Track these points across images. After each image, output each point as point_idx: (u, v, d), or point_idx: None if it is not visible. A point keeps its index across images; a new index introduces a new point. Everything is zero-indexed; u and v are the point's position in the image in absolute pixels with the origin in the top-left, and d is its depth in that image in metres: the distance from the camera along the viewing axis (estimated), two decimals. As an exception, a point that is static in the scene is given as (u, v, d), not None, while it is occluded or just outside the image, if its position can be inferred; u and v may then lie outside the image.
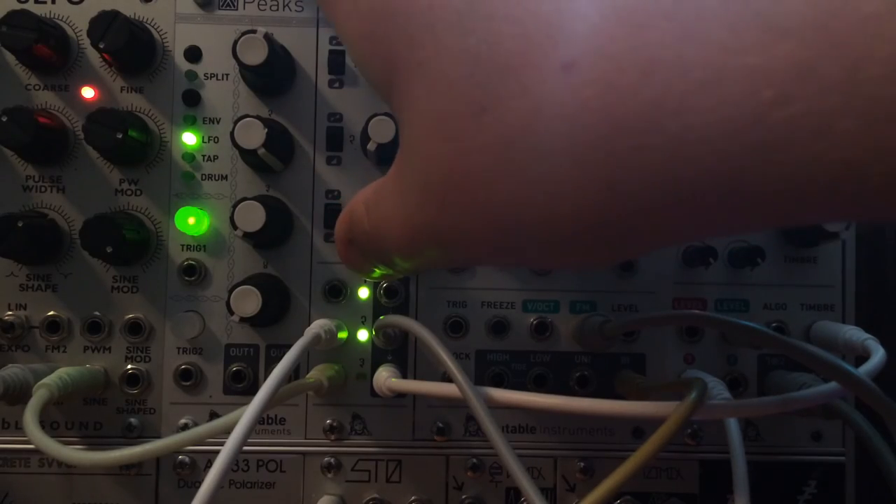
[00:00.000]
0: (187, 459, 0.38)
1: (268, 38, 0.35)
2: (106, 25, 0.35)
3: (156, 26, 0.38)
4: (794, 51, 0.11)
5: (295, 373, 0.38)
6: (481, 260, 0.18)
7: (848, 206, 0.12)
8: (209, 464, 0.32)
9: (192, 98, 0.38)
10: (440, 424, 0.38)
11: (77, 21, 0.38)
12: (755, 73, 0.12)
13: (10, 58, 0.37)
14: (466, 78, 0.14)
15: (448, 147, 0.15)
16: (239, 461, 0.38)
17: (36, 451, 0.34)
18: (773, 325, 0.39)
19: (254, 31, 0.34)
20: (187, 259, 0.38)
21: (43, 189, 0.38)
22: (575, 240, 0.15)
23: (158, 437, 0.38)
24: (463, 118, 0.15)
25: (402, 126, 0.18)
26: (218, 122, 0.38)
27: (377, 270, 0.24)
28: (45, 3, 0.38)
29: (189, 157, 0.38)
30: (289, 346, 0.31)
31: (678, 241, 0.15)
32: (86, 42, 0.37)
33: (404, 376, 0.38)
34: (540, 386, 0.39)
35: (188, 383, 0.38)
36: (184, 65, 0.38)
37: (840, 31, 0.11)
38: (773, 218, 0.13)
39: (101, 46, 0.35)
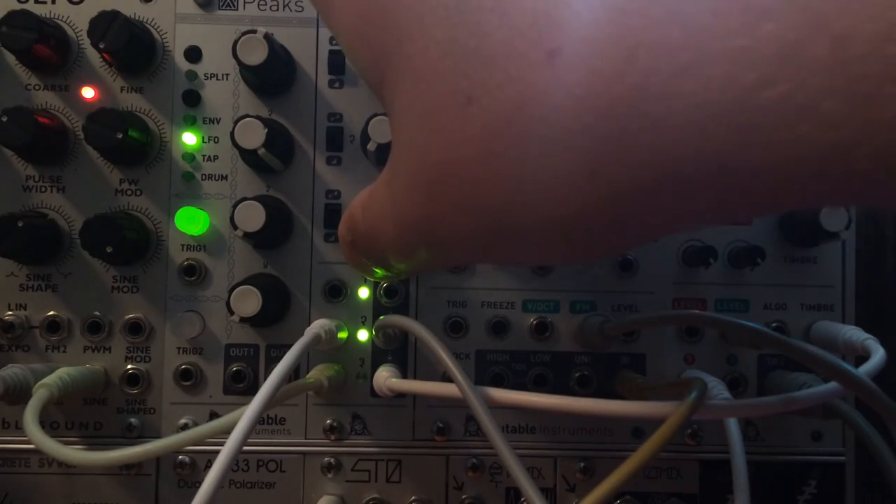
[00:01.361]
0: (187, 459, 0.38)
1: (268, 38, 0.35)
2: (106, 25, 0.35)
3: (156, 26, 0.38)
4: (777, 31, 0.11)
5: (295, 373, 0.38)
6: (472, 257, 0.18)
7: (836, 189, 0.12)
8: (209, 464, 0.32)
9: (192, 98, 0.38)
10: (440, 424, 0.38)
11: (77, 21, 0.38)
12: (738, 55, 0.11)
13: (10, 58, 0.37)
14: (454, 69, 0.15)
15: (435, 139, 0.15)
16: (239, 461, 0.38)
17: (36, 451, 0.34)
18: (773, 325, 0.39)
19: (254, 31, 0.34)
20: (187, 259, 0.38)
21: (43, 189, 0.38)
22: (562, 229, 0.15)
23: (158, 437, 0.38)
24: (449, 110, 0.15)
25: (392, 122, 0.18)
26: (218, 122, 0.38)
27: (378, 271, 0.24)
28: (45, 3, 0.38)
29: (189, 157, 0.38)
30: (289, 346, 0.31)
31: (668, 230, 0.15)
32: (86, 42, 0.37)
33: (404, 376, 0.38)
34: (540, 386, 0.39)
35: (188, 383, 0.38)
36: (184, 65, 0.38)
37: (823, 9, 0.11)
38: (760, 203, 0.13)
39: (101, 46, 0.35)
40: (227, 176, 0.38)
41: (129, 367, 0.38)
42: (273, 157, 0.36)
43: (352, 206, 0.22)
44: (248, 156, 0.36)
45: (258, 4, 0.38)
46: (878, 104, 0.11)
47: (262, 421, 0.38)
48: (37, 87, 0.38)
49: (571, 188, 0.14)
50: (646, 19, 0.12)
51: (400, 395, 0.38)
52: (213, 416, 0.38)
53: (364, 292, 0.39)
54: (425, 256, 0.19)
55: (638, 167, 0.13)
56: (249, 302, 0.34)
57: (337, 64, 0.39)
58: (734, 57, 0.11)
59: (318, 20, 0.39)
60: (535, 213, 0.15)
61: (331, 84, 0.39)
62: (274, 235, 0.37)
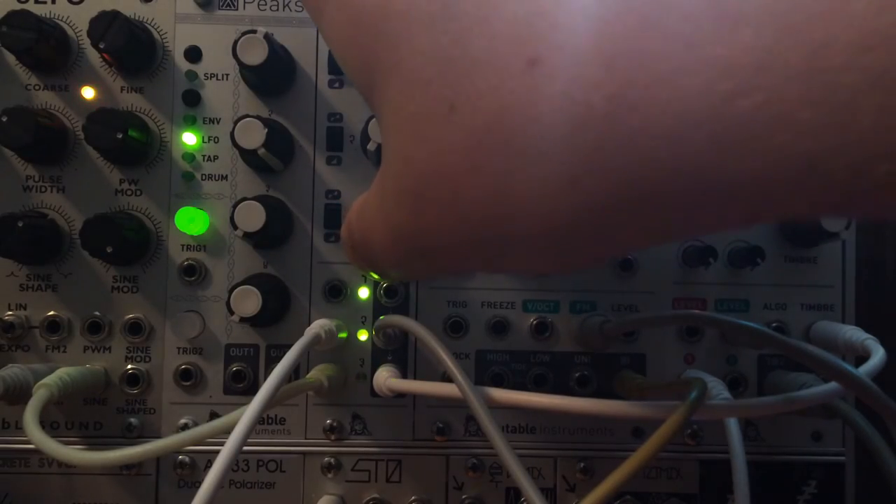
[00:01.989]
0: (187, 459, 0.38)
1: (268, 38, 0.35)
2: (106, 25, 0.35)
3: (156, 26, 0.38)
4: (753, 40, 0.11)
5: (295, 373, 0.38)
6: (461, 266, 0.18)
7: (816, 200, 0.12)
8: (209, 464, 0.32)
9: (192, 98, 0.38)
10: (440, 424, 0.38)
11: (77, 21, 0.38)
12: (714, 64, 0.11)
13: (10, 58, 0.37)
14: (438, 78, 0.15)
15: (421, 147, 0.15)
16: (239, 461, 0.38)
17: (36, 451, 0.34)
18: (773, 325, 0.39)
19: (254, 31, 0.34)
20: (187, 259, 0.38)
21: (43, 189, 0.38)
22: (545, 240, 0.15)
23: (158, 437, 0.38)
24: (434, 118, 0.15)
25: (381, 130, 0.18)
26: (218, 122, 0.38)
27: (373, 275, 0.24)
28: (45, 3, 0.38)
29: (189, 157, 0.38)
30: (289, 346, 0.31)
31: (652, 241, 0.15)
32: (86, 42, 0.37)
33: (404, 376, 0.38)
34: (540, 386, 0.39)
35: (188, 383, 0.38)
36: (184, 65, 0.38)
37: (799, 18, 0.11)
38: (740, 214, 0.13)
39: (101, 46, 0.35)
40: (227, 176, 0.38)
41: (129, 367, 0.38)
42: (273, 157, 0.36)
43: (350, 212, 0.22)
44: (248, 156, 0.36)
45: (258, 4, 0.38)
46: (855, 114, 0.11)
47: (262, 421, 0.38)
48: (37, 87, 0.38)
49: (551, 200, 0.14)
50: (623, 28, 0.12)
51: (400, 395, 0.38)
52: (213, 416, 0.38)
53: (364, 292, 0.39)
54: (417, 265, 0.19)
55: (617, 178, 0.13)
56: (249, 302, 0.34)
57: (337, 64, 0.38)
58: (710, 66, 0.11)
59: (318, 20, 0.39)
60: (518, 224, 0.15)
61: (331, 84, 0.39)
62: (274, 235, 0.37)
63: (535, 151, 0.13)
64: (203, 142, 0.38)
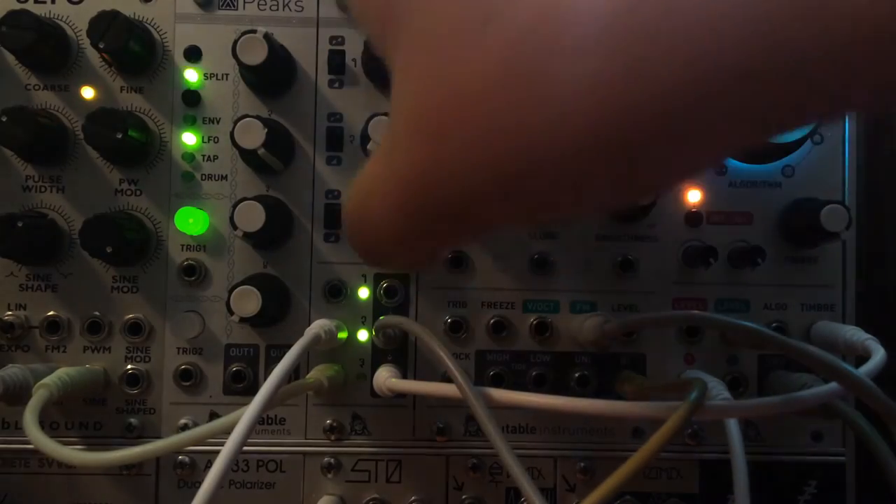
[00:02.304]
0: (187, 459, 0.38)
1: (268, 38, 0.35)
2: (106, 25, 0.35)
3: (156, 26, 0.38)
4: None
5: (295, 373, 0.38)
6: (477, 214, 0.16)
7: (888, 77, 0.11)
8: (209, 464, 0.32)
9: (192, 98, 0.38)
10: (440, 424, 0.38)
11: (77, 21, 0.38)
12: None
13: (10, 58, 0.37)
14: None
15: (447, 71, 0.14)
16: (239, 461, 0.38)
17: (36, 451, 0.33)
18: (773, 325, 0.39)
19: (254, 31, 0.34)
20: (187, 259, 0.38)
21: (43, 189, 0.38)
22: (594, 153, 0.13)
23: (158, 437, 0.38)
24: (464, 35, 0.14)
25: (395, 73, 0.16)
26: (218, 122, 0.38)
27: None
28: (45, 3, 0.38)
29: (189, 157, 0.38)
30: (289, 346, 0.31)
31: (713, 147, 0.13)
32: (86, 42, 0.37)
33: (404, 376, 0.38)
34: (540, 386, 0.39)
35: (188, 383, 0.38)
36: (184, 65, 0.38)
37: None
38: (815, 97, 0.12)
39: (101, 46, 0.35)
40: (227, 176, 0.38)
41: (129, 367, 0.38)
42: (273, 157, 0.36)
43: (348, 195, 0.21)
44: (248, 156, 0.36)
45: (258, 4, 0.38)
46: None
47: (262, 421, 0.38)
48: (37, 87, 0.38)
49: (605, 93, 0.12)
50: None
51: (400, 395, 0.38)
52: (213, 416, 0.38)
53: (364, 292, 0.39)
54: (424, 229, 0.17)
55: (682, 60, 0.12)
56: (249, 302, 0.34)
57: (337, 64, 0.39)
58: None
59: (318, 20, 0.39)
60: (562, 135, 0.13)
61: (331, 84, 0.39)
62: (274, 235, 0.37)
63: (587, 42, 0.12)
64: (203, 142, 0.38)
